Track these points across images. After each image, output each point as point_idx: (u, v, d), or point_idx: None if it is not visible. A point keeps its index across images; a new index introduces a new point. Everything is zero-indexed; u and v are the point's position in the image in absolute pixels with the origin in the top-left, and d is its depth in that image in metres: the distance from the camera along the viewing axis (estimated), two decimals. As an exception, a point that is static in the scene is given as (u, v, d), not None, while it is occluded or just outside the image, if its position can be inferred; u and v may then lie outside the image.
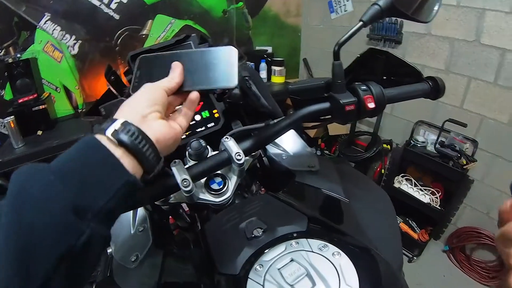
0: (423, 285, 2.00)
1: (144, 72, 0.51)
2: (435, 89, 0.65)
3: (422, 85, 0.65)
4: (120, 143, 0.36)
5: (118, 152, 0.36)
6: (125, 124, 0.37)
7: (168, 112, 0.48)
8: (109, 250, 0.70)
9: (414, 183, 2.25)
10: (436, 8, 0.63)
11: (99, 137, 0.36)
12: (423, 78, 0.66)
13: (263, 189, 0.83)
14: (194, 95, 0.48)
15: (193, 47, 0.70)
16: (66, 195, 0.32)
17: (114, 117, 0.39)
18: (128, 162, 0.36)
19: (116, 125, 0.37)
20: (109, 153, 0.35)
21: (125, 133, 0.36)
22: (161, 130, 0.41)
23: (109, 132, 0.36)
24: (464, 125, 1.89)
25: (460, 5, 1.88)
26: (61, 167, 0.34)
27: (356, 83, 0.60)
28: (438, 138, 2.06)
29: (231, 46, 0.50)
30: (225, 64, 0.49)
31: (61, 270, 0.30)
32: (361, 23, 0.57)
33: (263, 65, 2.76)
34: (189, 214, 0.79)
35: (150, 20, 2.25)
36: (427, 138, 2.24)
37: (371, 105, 0.57)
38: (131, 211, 0.75)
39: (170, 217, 0.79)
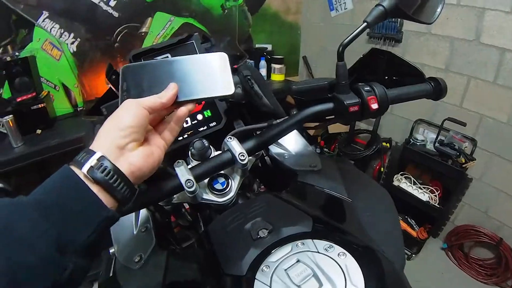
0: (421, 282, 2.00)
1: (131, 83, 0.47)
2: (437, 90, 0.65)
3: (424, 86, 0.65)
4: (95, 181, 0.37)
5: (95, 188, 0.37)
6: (101, 159, 0.38)
7: (155, 122, 0.48)
8: (111, 250, 0.70)
9: (413, 181, 2.25)
10: (439, 9, 0.62)
11: (76, 170, 0.37)
12: (425, 79, 0.66)
13: (262, 187, 0.83)
14: (182, 111, 0.47)
15: (195, 47, 0.70)
16: (51, 233, 0.33)
17: (91, 147, 0.39)
18: (103, 197, 0.38)
19: (92, 161, 0.37)
20: (87, 188, 0.37)
21: (100, 171, 0.37)
22: (137, 162, 0.41)
23: (85, 168, 0.37)
24: (464, 124, 1.90)
25: (460, 4, 1.88)
26: (41, 202, 0.35)
27: (360, 83, 0.60)
28: (437, 137, 2.06)
29: (222, 53, 0.49)
30: (219, 71, 0.48)
31: None
32: (365, 24, 0.57)
33: (262, 63, 2.76)
34: (190, 212, 0.79)
35: (149, 18, 2.24)
36: (427, 137, 2.24)
37: (375, 106, 0.57)
38: (133, 212, 0.75)
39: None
